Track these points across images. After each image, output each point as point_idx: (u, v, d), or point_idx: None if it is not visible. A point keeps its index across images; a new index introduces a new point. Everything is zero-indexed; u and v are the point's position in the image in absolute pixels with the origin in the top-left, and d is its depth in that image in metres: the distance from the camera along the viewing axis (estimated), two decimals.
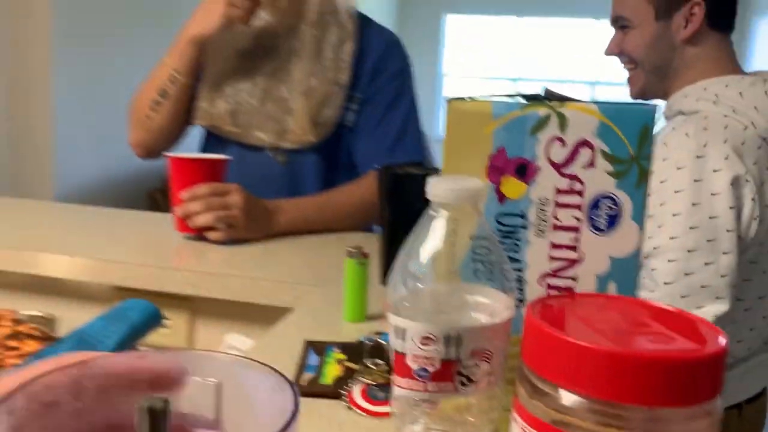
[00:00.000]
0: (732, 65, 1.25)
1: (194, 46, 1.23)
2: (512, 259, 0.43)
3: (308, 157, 1.32)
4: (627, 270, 0.43)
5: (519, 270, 0.44)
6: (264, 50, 1.30)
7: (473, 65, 8.18)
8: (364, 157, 1.33)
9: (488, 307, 0.39)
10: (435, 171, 0.88)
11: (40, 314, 1.04)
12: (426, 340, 0.36)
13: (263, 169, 1.34)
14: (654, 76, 1.28)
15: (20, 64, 3.06)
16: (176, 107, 1.30)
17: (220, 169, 1.17)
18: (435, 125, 8.23)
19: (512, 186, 0.42)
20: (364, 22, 1.36)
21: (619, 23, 1.30)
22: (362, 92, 1.33)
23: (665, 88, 1.28)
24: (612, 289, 0.44)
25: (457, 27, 8.23)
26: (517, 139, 0.42)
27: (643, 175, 0.42)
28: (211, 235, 1.12)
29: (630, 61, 1.31)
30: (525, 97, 0.43)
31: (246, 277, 0.99)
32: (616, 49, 1.32)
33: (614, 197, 0.42)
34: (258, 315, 1.01)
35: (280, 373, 0.24)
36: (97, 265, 1.04)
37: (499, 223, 0.43)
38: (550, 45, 7.80)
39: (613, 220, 0.42)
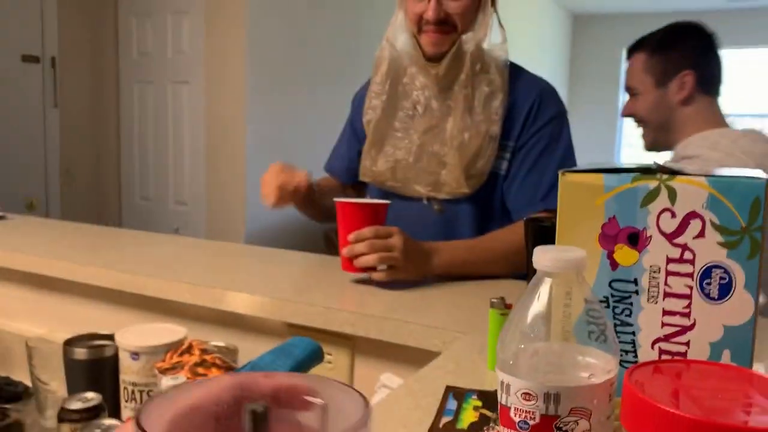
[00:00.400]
0: (722, 122, 1.55)
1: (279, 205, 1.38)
2: (625, 323, 0.46)
3: (463, 206, 1.38)
4: (742, 338, 0.43)
5: (632, 334, 0.46)
6: (422, 111, 1.39)
7: None
8: (517, 205, 1.36)
9: (594, 367, 0.42)
10: None
11: (224, 345, 1.19)
12: (527, 395, 0.40)
13: (421, 217, 1.42)
14: (660, 132, 1.60)
15: (217, 120, 3.48)
16: (318, 208, 1.48)
17: (382, 213, 1.24)
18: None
19: (625, 254, 0.45)
20: (515, 73, 1.40)
21: (629, 91, 1.65)
22: (515, 140, 1.37)
23: (670, 140, 1.58)
24: (726, 357, 0.44)
25: None
26: (628, 209, 0.45)
27: (756, 247, 0.42)
28: (375, 275, 1.19)
29: (639, 120, 1.63)
30: (636, 169, 0.45)
31: (400, 321, 1.06)
32: (627, 111, 1.66)
33: (725, 267, 0.43)
34: (411, 356, 1.07)
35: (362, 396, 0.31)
36: (273, 303, 1.17)
37: (612, 288, 0.46)
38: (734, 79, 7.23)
39: (725, 289, 0.43)
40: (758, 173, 0.42)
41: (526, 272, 1.41)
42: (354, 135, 1.57)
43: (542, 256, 0.41)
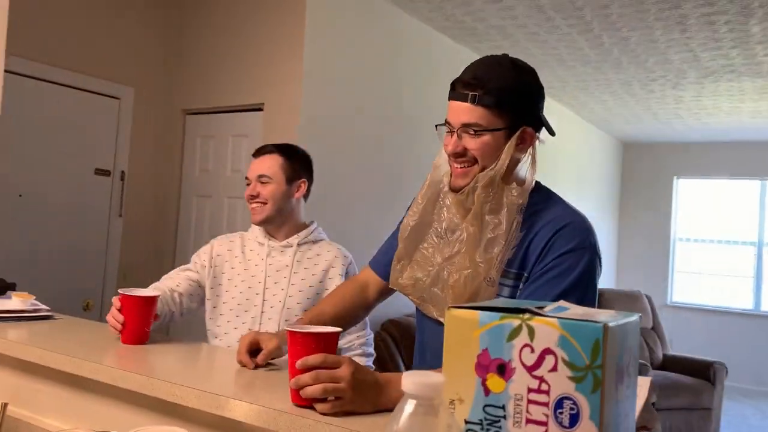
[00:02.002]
0: None
1: None
2: None
3: None
4: None
5: None
6: (449, 235, 1.43)
7: (708, 229, 7.67)
8: None
9: None
10: None
11: None
12: None
13: (439, 336, 1.45)
14: None
15: None
16: None
17: (333, 342, 1.25)
18: (665, 292, 7.72)
19: (495, 382, 0.52)
20: (547, 204, 1.39)
21: None
22: (528, 272, 1.35)
23: None
24: None
25: (689, 190, 7.89)
26: (497, 343, 0.52)
27: (597, 383, 0.49)
28: (318, 406, 1.15)
29: None
30: (507, 309, 0.53)
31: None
32: None
33: (574, 399, 0.49)
34: None
35: None
36: (267, 413, 1.23)
37: (485, 412, 0.52)
38: None
39: (575, 419, 0.49)
40: (602, 317, 0.49)
41: None
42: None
43: (407, 380, 0.48)
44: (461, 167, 1.37)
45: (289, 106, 3.66)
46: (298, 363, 1.17)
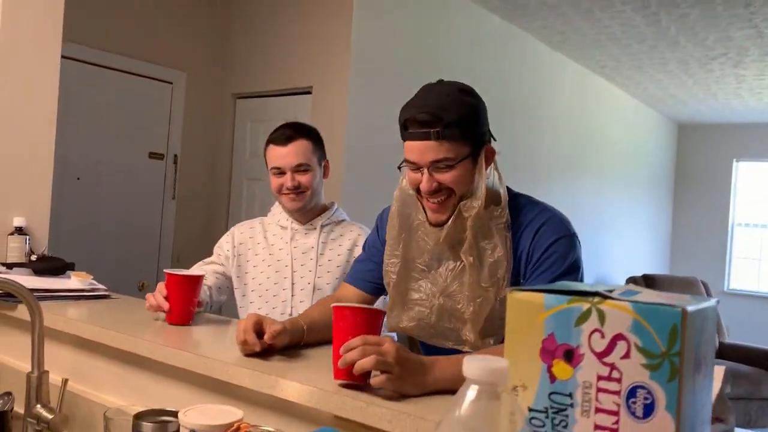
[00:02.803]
0: None
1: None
2: None
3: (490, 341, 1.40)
4: None
5: None
6: (437, 267, 1.43)
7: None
8: None
9: None
10: None
11: (272, 430, 1.25)
12: None
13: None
14: None
15: None
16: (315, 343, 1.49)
17: (379, 320, 1.25)
18: (722, 278, 7.48)
19: (562, 368, 0.49)
20: (519, 212, 1.41)
21: None
22: (523, 277, 1.39)
23: None
24: None
25: (749, 173, 7.59)
26: (564, 327, 0.49)
27: (675, 371, 0.46)
28: (373, 380, 1.16)
29: None
30: (574, 291, 0.50)
31: (433, 422, 1.09)
32: None
33: (648, 388, 0.46)
34: None
35: None
36: (319, 393, 1.23)
37: (551, 400, 0.50)
38: None
39: (649, 409, 0.46)
40: (679, 301, 0.46)
41: None
42: (375, 253, 1.60)
43: (469, 365, 0.46)
44: (437, 202, 1.36)
45: (337, 89, 3.65)
46: (343, 347, 1.16)
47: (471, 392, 0.45)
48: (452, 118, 1.29)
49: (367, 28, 3.68)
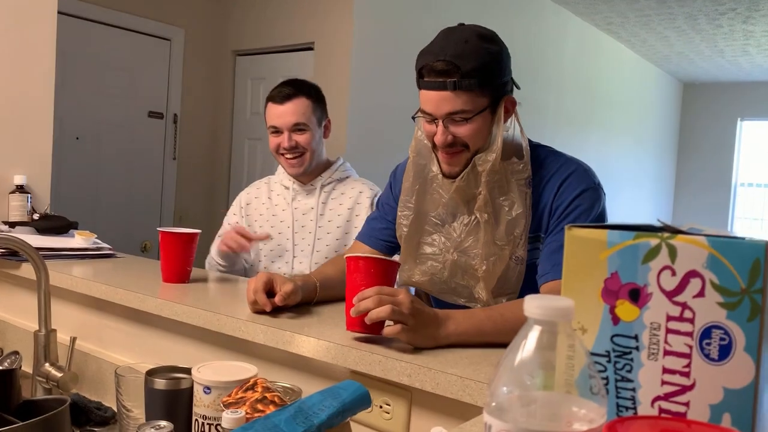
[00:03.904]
0: None
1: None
2: (626, 379, 0.46)
3: (503, 299, 1.36)
4: (742, 403, 0.42)
5: (632, 390, 0.46)
6: (451, 221, 1.39)
7: None
8: (542, 278, 1.31)
9: (584, 418, 0.43)
10: None
11: (290, 386, 1.23)
12: None
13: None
14: None
15: None
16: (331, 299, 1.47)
17: (393, 272, 1.22)
18: None
19: (626, 309, 0.46)
20: (544, 162, 1.36)
21: None
22: (545, 232, 1.34)
23: None
24: (726, 420, 0.43)
25: (753, 132, 7.53)
26: (630, 265, 0.46)
27: (756, 309, 0.42)
28: (386, 330, 1.14)
29: None
30: (639, 227, 0.46)
31: (455, 376, 1.06)
32: None
33: (725, 328, 0.43)
34: (467, 412, 1.06)
35: None
36: (336, 348, 1.21)
37: (614, 343, 0.46)
38: None
39: (725, 351, 0.43)
40: (759, 235, 0.42)
41: None
42: (388, 210, 1.56)
43: (530, 304, 0.42)
44: (452, 155, 1.31)
45: (340, 45, 3.56)
46: (357, 296, 1.13)
47: (533, 333, 0.42)
48: (470, 68, 1.22)
49: None
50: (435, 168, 1.38)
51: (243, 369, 1.14)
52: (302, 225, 1.97)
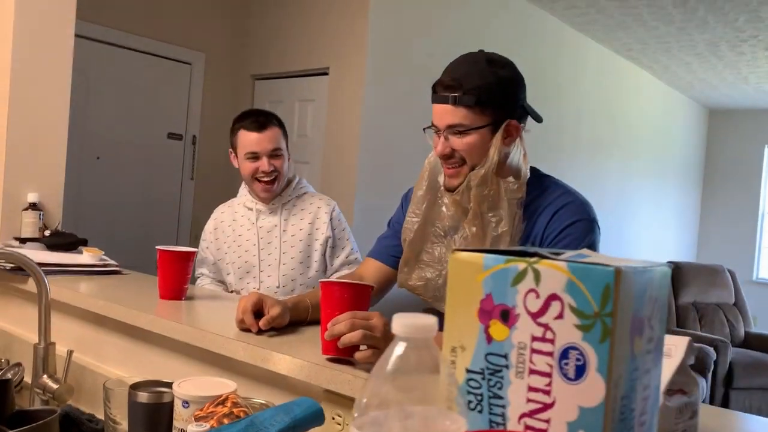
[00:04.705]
0: None
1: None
2: (497, 396, 0.48)
3: None
4: (595, 420, 0.44)
5: (502, 407, 0.48)
6: (452, 233, 1.43)
7: None
8: None
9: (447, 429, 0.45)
10: None
11: (264, 402, 1.26)
12: None
13: None
14: None
15: (330, 195, 3.70)
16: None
17: (366, 296, 1.25)
18: (751, 267, 7.32)
19: (498, 329, 0.48)
20: (543, 191, 1.39)
21: None
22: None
23: None
24: None
25: None
26: (501, 288, 0.48)
27: (606, 332, 0.44)
28: (357, 355, 1.16)
29: None
30: (512, 252, 0.49)
31: None
32: None
33: (580, 349, 0.45)
34: None
35: None
36: (310, 366, 1.24)
37: (488, 361, 0.49)
38: None
39: (581, 371, 0.45)
40: (612, 261, 0.45)
41: None
42: (399, 229, 1.59)
43: (396, 322, 0.45)
44: (451, 168, 1.38)
45: (353, 70, 3.64)
46: (331, 321, 1.17)
47: (398, 349, 0.44)
48: (472, 86, 1.32)
49: (383, 10, 3.65)
50: (441, 180, 1.46)
51: (221, 384, 1.17)
52: (268, 242, 2.10)
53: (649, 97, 6.57)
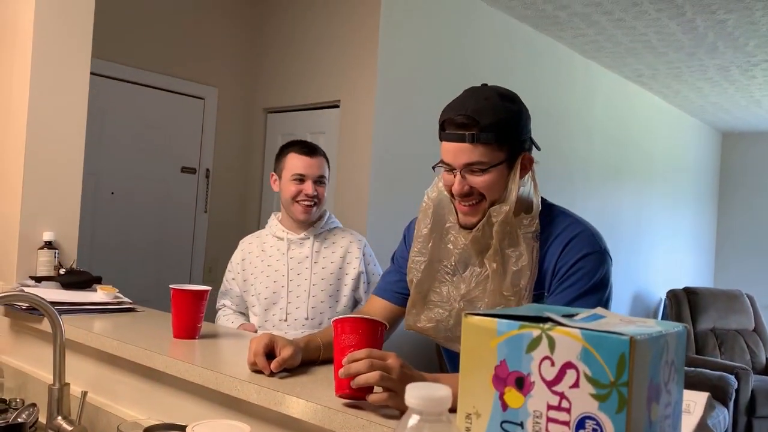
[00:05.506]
0: None
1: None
2: None
3: None
4: None
5: None
6: (461, 271, 1.42)
7: None
8: None
9: None
10: None
11: None
12: None
13: None
14: None
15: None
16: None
17: (381, 333, 1.23)
18: None
19: (513, 396, 0.48)
20: (553, 222, 1.39)
21: None
22: (547, 290, 1.36)
23: None
24: None
25: None
26: (516, 354, 0.48)
27: (623, 402, 0.44)
28: (372, 397, 1.13)
29: None
30: (526, 317, 0.49)
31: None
32: None
33: (597, 419, 0.44)
34: None
35: None
36: (323, 411, 1.23)
37: (503, 429, 0.48)
38: None
39: None
40: (629, 329, 0.44)
41: None
42: (403, 264, 1.58)
43: (410, 393, 0.45)
44: (468, 206, 1.37)
45: (364, 103, 3.67)
46: (347, 357, 1.14)
47: (412, 420, 0.44)
48: (488, 123, 1.30)
49: (393, 42, 3.69)
50: (453, 218, 1.43)
51: (236, 428, 1.17)
52: (298, 273, 2.11)
53: (661, 122, 6.56)
